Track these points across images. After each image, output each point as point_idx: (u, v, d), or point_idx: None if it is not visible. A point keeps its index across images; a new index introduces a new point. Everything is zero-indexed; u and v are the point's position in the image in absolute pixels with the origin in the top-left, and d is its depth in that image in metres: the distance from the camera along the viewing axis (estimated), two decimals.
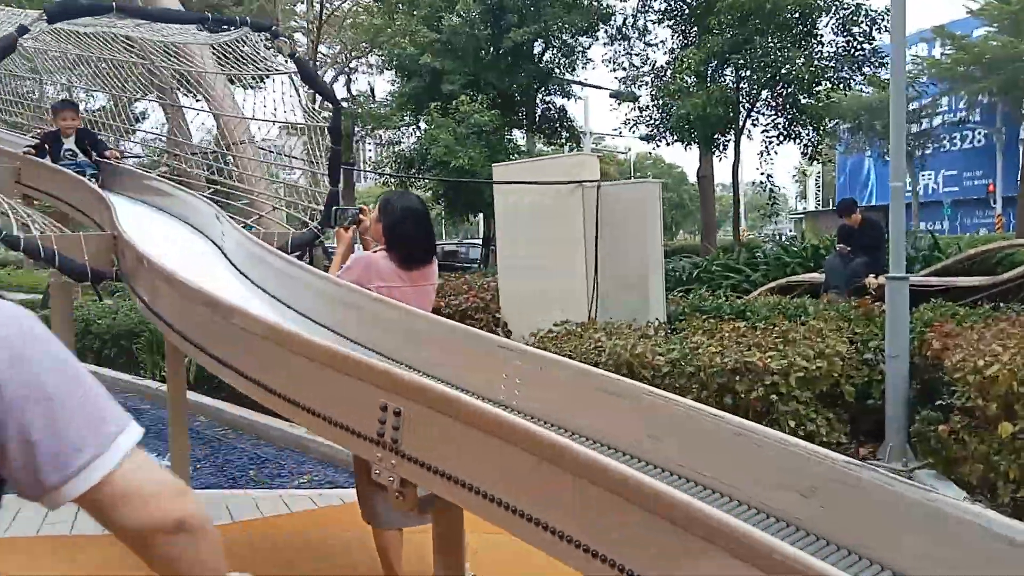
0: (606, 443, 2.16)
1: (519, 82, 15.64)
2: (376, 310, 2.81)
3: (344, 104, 21.63)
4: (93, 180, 4.74)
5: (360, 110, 19.53)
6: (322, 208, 4.31)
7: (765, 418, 4.59)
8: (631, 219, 6.19)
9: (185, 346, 2.87)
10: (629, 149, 30.51)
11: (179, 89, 7.45)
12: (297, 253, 4.10)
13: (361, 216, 3.42)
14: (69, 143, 5.07)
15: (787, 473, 1.84)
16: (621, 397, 2.14)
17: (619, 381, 2.16)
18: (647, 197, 6.17)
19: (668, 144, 16.15)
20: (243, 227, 4.08)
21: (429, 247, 3.26)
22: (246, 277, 3.68)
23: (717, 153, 16.95)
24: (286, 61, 4.57)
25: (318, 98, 5.49)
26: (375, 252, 3.15)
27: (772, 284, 9.45)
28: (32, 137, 7.16)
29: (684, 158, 66.78)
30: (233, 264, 3.83)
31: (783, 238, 21.42)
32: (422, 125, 14.75)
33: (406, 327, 2.68)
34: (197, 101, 7.94)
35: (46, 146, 5.05)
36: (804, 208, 47.02)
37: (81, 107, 6.84)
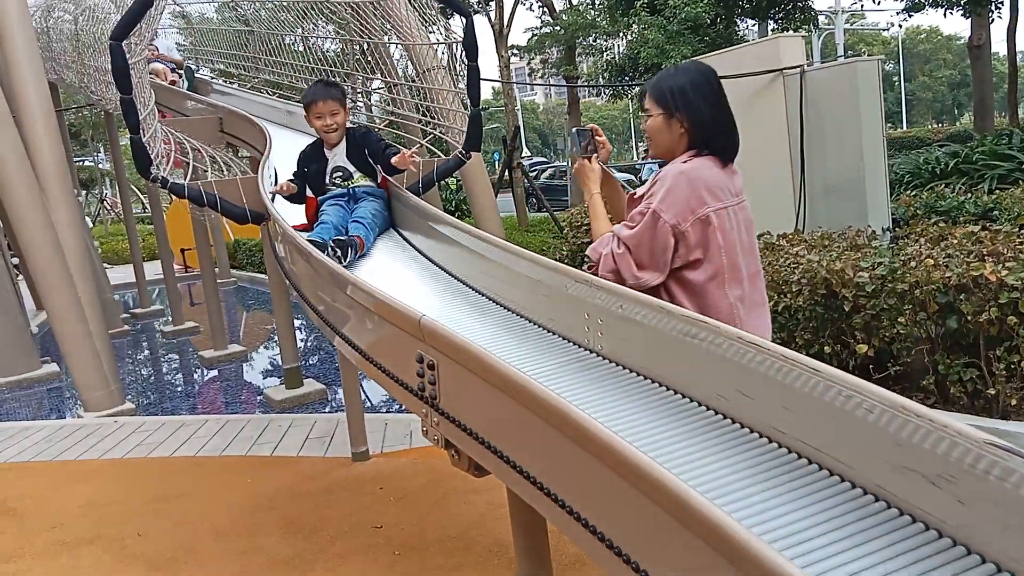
0: (688, 394, 1.78)
1: None
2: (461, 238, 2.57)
3: (563, 16, 21.12)
4: (373, 222, 3.11)
5: (577, 19, 18.90)
6: (465, 132, 4.10)
7: (1001, 345, 3.69)
8: (843, 108, 5.21)
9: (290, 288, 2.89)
10: (891, 25, 26.40)
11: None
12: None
13: (598, 137, 2.46)
14: (337, 157, 3.26)
15: (908, 451, 1.39)
16: (705, 342, 1.74)
17: (704, 323, 1.76)
18: (862, 79, 5.12)
19: (922, 11, 13.53)
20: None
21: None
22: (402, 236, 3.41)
23: (992, 14, 13.89)
24: None
25: None
26: (685, 164, 2.20)
27: None
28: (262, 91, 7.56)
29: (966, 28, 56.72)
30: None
31: None
32: (634, 29, 13.75)
33: (487, 258, 2.42)
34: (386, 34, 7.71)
35: (304, 170, 3.33)
36: None
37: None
